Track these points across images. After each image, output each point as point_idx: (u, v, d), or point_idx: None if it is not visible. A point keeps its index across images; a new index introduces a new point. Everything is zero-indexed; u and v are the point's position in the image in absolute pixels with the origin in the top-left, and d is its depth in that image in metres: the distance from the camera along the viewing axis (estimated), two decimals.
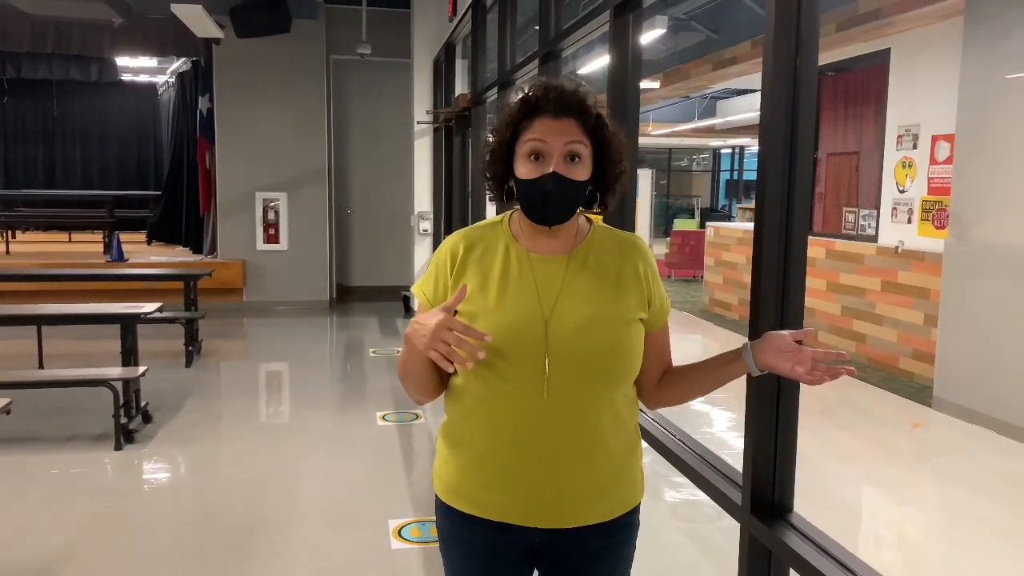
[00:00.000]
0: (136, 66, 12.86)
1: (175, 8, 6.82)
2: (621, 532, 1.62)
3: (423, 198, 8.90)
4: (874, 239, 7.43)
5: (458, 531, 1.61)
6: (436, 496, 1.65)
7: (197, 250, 10.33)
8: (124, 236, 9.69)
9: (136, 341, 5.07)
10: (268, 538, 3.57)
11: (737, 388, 1.77)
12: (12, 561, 3.08)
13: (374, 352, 7.53)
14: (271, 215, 9.51)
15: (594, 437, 1.53)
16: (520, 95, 1.55)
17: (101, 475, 4.28)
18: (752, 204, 17.37)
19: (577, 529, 1.56)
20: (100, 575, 3.25)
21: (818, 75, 7.86)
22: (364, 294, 10.39)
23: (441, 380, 1.59)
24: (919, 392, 6.35)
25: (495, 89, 5.36)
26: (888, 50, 7.21)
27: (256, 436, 5.20)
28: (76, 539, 3.51)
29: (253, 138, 9.32)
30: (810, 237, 8.41)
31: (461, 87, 7.45)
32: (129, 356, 5.03)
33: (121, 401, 4.57)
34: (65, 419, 4.98)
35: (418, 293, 1.63)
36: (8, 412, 2.94)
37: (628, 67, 2.86)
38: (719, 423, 5.35)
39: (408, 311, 9.07)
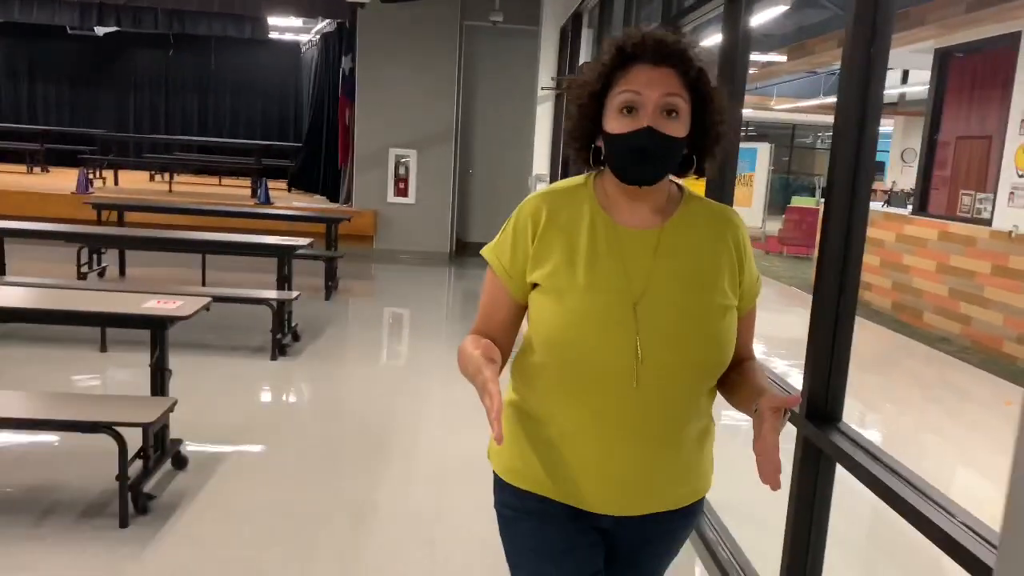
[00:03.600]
0: (283, 25, 13.83)
1: None
2: (685, 518, 1.56)
3: (541, 161, 9.39)
4: (989, 222, 7.43)
5: (529, 506, 1.50)
6: (499, 478, 1.55)
7: (333, 199, 11.23)
8: (269, 183, 10.67)
9: (291, 270, 5.85)
10: (398, 439, 4.23)
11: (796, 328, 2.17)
12: (198, 432, 3.83)
13: None
14: (401, 170, 10.24)
15: (678, 427, 1.45)
16: (615, 44, 1.41)
17: (262, 378, 5.09)
18: (875, 185, 16.98)
19: (646, 515, 1.50)
20: (265, 450, 3.98)
21: (945, 56, 7.85)
22: (480, 249, 11.04)
23: (502, 357, 1.49)
24: (1020, 375, 6.43)
25: None
26: (1019, 33, 7.13)
27: (387, 360, 5.92)
28: (245, 422, 4.28)
29: (389, 98, 10.03)
30: (923, 218, 8.46)
31: (586, 56, 7.86)
32: (284, 283, 5.81)
33: (276, 320, 5.35)
34: (227, 333, 5.84)
35: (492, 259, 1.50)
36: (208, 309, 3.64)
37: (737, 46, 3.24)
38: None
39: None
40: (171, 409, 3.24)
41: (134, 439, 3.09)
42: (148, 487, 3.22)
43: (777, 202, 19.16)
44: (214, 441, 3.92)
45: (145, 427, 3.09)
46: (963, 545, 1.43)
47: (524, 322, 1.54)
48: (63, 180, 11.47)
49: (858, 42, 2.16)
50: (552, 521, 1.49)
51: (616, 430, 1.41)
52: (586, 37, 8.00)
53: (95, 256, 7.17)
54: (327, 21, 11.68)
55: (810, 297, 2.37)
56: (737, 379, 1.50)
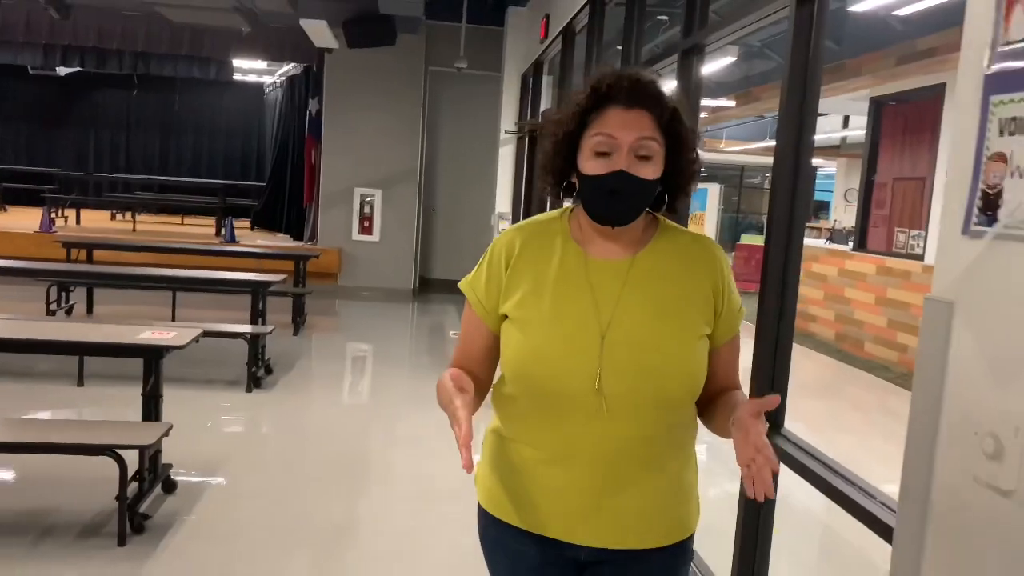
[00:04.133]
0: (248, 67, 14.09)
1: (303, 23, 7.83)
2: (672, 558, 1.52)
3: (504, 200, 9.74)
4: (922, 258, 7.95)
5: (506, 542, 1.52)
6: (480, 505, 1.57)
7: (297, 237, 11.41)
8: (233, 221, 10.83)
9: (265, 305, 6.05)
10: (373, 463, 4.44)
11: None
12: (184, 460, 4.00)
13: (453, 334, 8.39)
14: (367, 209, 10.50)
15: (650, 459, 1.44)
16: (590, 83, 1.42)
17: (239, 409, 5.26)
18: (819, 224, 17.71)
19: (627, 550, 1.47)
20: (248, 476, 4.17)
21: (879, 105, 8.41)
22: (444, 286, 11.26)
23: (480, 393, 1.49)
24: None
25: None
26: (944, 84, 7.74)
27: (357, 391, 6.12)
28: (227, 450, 4.45)
29: (355, 138, 10.32)
30: (862, 254, 8.96)
31: (547, 101, 8.26)
32: (258, 317, 6.00)
33: (251, 353, 5.53)
34: (202, 367, 5.98)
35: (467, 291, 1.52)
36: (198, 341, 3.84)
37: (690, 94, 3.60)
38: None
39: None
40: (166, 433, 3.43)
41: (129, 463, 3.27)
42: (143, 508, 3.39)
43: (727, 239, 19.86)
44: (200, 468, 4.09)
45: (142, 450, 3.28)
46: (875, 514, 1.74)
47: None
48: (24, 219, 11.47)
49: (792, 95, 2.51)
50: (524, 560, 1.49)
51: (583, 459, 1.40)
52: (546, 83, 8.42)
53: (63, 294, 7.27)
54: (293, 64, 11.98)
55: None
56: (718, 405, 1.48)
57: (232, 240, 10.22)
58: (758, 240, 17.83)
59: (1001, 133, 1.23)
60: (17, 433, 3.24)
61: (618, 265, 1.44)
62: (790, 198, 2.54)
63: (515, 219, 9.58)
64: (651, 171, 1.39)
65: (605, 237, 1.45)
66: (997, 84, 1.25)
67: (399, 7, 8.29)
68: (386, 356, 7.71)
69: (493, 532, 1.54)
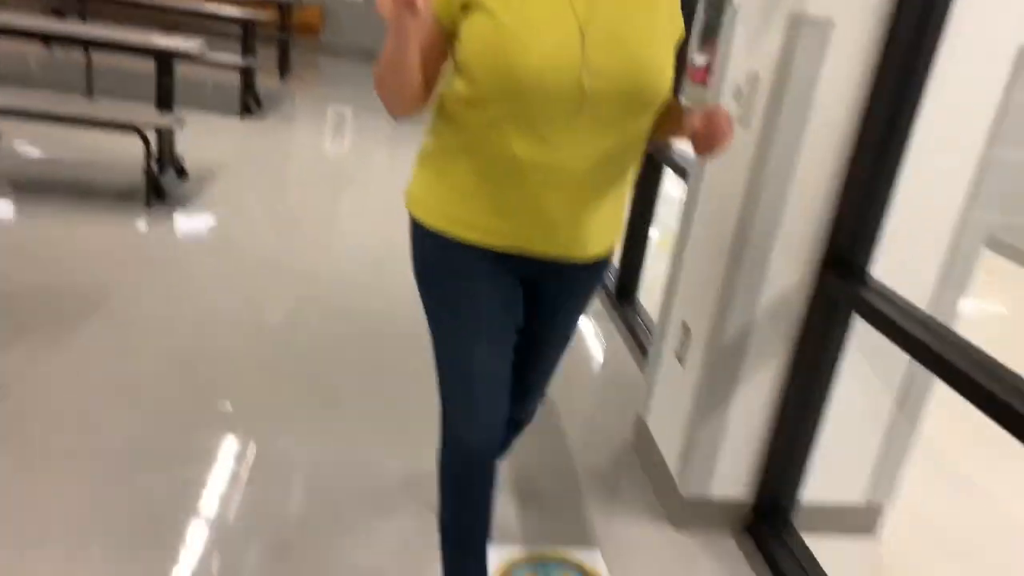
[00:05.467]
0: None
1: None
2: (599, 271, 1.57)
3: None
4: None
5: (452, 258, 1.46)
6: (419, 224, 1.48)
7: None
8: None
9: (255, 39, 6.49)
10: (351, 175, 5.19)
11: None
12: (189, 158, 4.69)
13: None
14: None
15: (617, 167, 1.41)
16: None
17: (234, 131, 5.90)
18: None
19: (567, 266, 1.49)
20: (243, 174, 4.90)
21: None
22: None
23: (422, 88, 1.37)
24: None
25: None
26: None
27: (339, 125, 6.75)
28: (225, 156, 5.15)
29: None
30: None
31: None
32: (248, 52, 6.46)
33: (243, 83, 6.08)
34: (196, 100, 6.53)
35: None
36: (203, 54, 4.38)
37: None
38: None
39: None
40: (180, 122, 4.10)
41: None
42: (163, 182, 4.14)
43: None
44: (205, 165, 4.80)
45: (162, 132, 3.97)
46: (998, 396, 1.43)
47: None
48: None
49: None
50: (474, 271, 1.46)
51: (552, 164, 1.34)
52: None
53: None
54: None
55: None
56: (662, 114, 1.47)
57: None
58: None
59: None
60: (56, 107, 3.87)
61: None
62: None
63: None
64: None
65: None
66: None
67: None
68: (367, 103, 8.24)
69: (438, 252, 1.46)
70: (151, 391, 2.49)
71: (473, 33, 1.32)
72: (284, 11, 8.38)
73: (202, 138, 5.35)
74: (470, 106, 1.36)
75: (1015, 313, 5.20)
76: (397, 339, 3.08)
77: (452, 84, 1.40)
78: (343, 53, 10.59)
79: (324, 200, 4.72)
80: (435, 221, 1.45)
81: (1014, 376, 1.49)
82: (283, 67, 8.12)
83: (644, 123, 1.41)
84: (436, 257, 1.48)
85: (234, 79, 6.70)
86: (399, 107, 1.37)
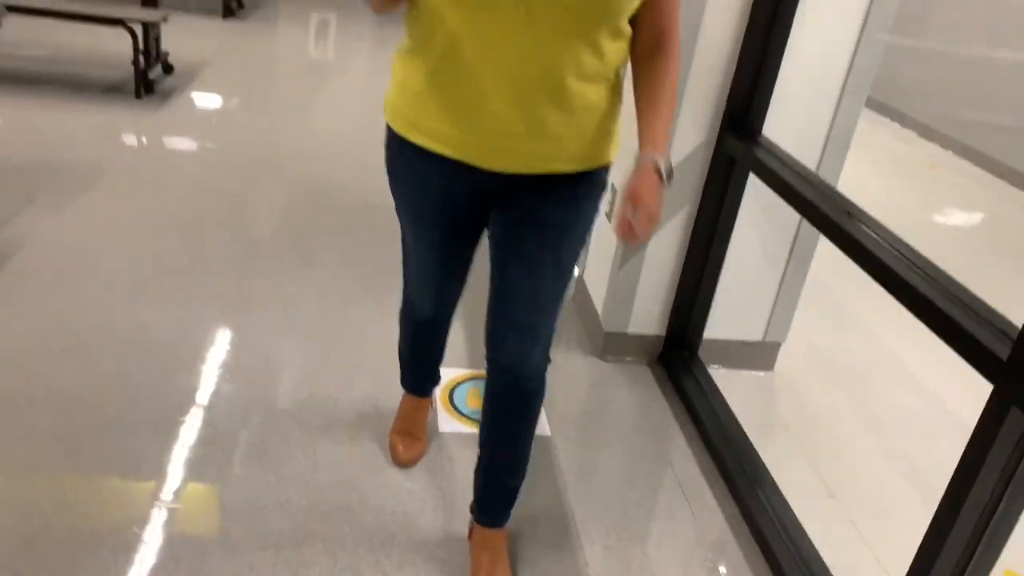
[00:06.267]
0: None
1: None
2: (585, 185, 1.48)
3: None
4: None
5: (412, 165, 1.47)
6: (387, 126, 1.51)
7: None
8: None
9: None
10: (334, 72, 5.43)
11: None
12: (174, 54, 4.91)
13: None
14: None
15: (571, 75, 1.33)
16: None
17: (217, 31, 6.09)
18: None
19: (540, 176, 1.43)
20: (227, 72, 5.14)
21: None
22: None
23: None
24: None
25: None
26: None
27: (321, 26, 6.92)
28: (208, 53, 5.37)
29: None
30: None
31: None
32: None
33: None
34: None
35: None
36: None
37: None
38: None
39: None
40: (165, 18, 4.33)
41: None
42: (151, 75, 4.40)
43: None
44: (189, 62, 5.04)
45: (147, 26, 4.21)
46: (869, 249, 1.63)
47: None
48: None
49: None
50: (431, 187, 1.48)
51: (498, 71, 1.31)
52: None
53: None
54: None
55: None
56: (643, 80, 1.45)
57: None
58: None
59: None
60: (41, 3, 4.10)
61: None
62: None
63: None
64: None
65: None
66: None
67: None
68: (349, 8, 8.36)
69: (399, 157, 1.50)
70: (149, 247, 2.85)
71: None
72: None
73: (186, 37, 5.56)
74: (427, 5, 1.34)
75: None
76: (368, 210, 3.42)
77: None
78: None
79: (304, 94, 4.98)
80: (397, 125, 1.47)
81: (878, 225, 1.81)
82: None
83: (599, 37, 1.33)
84: (398, 160, 1.51)
85: None
86: (383, 7, 1.38)
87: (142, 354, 2.29)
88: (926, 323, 1.47)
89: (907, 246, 1.67)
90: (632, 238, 1.38)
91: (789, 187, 2.07)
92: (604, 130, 1.45)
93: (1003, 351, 1.29)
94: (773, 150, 2.27)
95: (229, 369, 2.29)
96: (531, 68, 1.31)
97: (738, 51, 2.29)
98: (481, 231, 1.59)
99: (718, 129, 2.39)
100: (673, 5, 1.41)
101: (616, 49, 1.38)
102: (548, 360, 1.62)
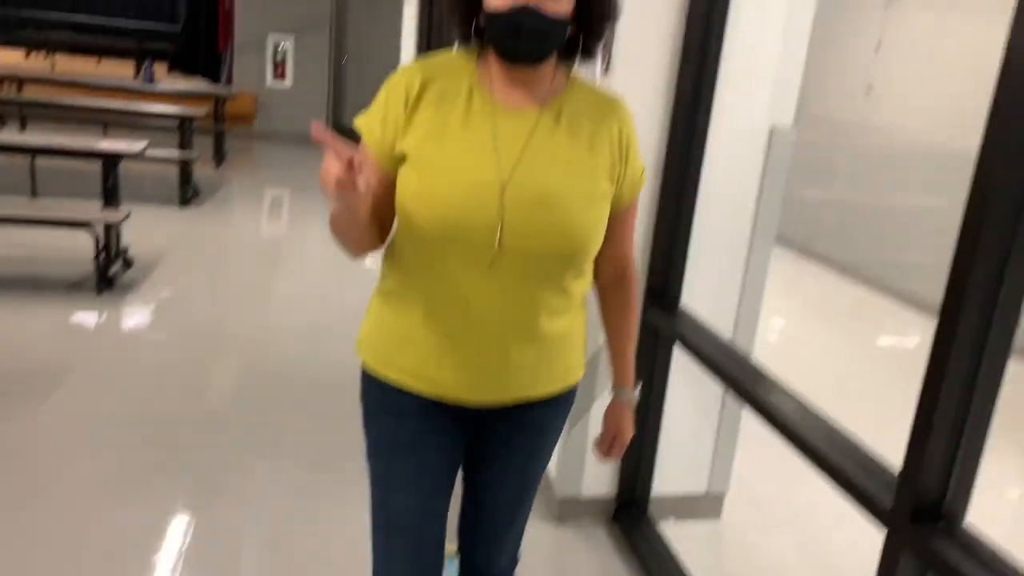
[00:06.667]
0: None
1: None
2: (554, 408, 1.54)
3: (408, 51, 10.62)
4: None
5: (389, 401, 1.48)
6: (364, 366, 1.51)
7: (214, 81, 12.05)
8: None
9: (192, 134, 7.03)
10: (286, 252, 5.70)
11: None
12: (134, 247, 5.16)
13: None
14: (280, 55, 11.22)
15: (539, 314, 1.41)
16: None
17: (173, 220, 6.38)
18: None
19: (513, 405, 1.48)
20: (185, 259, 5.38)
21: None
22: (354, 133, 12.22)
23: (376, 234, 1.43)
24: None
25: None
26: None
27: (274, 210, 7.27)
28: (167, 243, 5.63)
29: None
30: None
31: None
32: (186, 145, 7.00)
33: (182, 176, 6.59)
34: (135, 190, 7.01)
35: (363, 127, 1.42)
36: (144, 153, 4.88)
37: None
38: None
39: None
40: (127, 216, 4.59)
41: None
42: (111, 273, 4.60)
43: None
44: (148, 254, 5.28)
45: (109, 226, 4.46)
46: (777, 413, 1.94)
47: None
48: None
49: None
50: (409, 418, 1.47)
51: (471, 314, 1.37)
52: None
53: None
54: None
55: None
56: (610, 309, 1.60)
57: (151, 81, 10.84)
58: None
59: None
60: (8, 211, 4.34)
61: (525, 116, 1.38)
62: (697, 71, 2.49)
63: None
64: (561, 5, 1.32)
65: (514, 83, 1.39)
66: None
67: None
68: (300, 186, 8.81)
69: (377, 393, 1.50)
70: (115, 446, 2.94)
71: (400, 182, 1.38)
72: (219, 103, 8.97)
73: (145, 229, 5.81)
74: (399, 249, 1.43)
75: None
76: (330, 391, 3.57)
77: (394, 236, 1.47)
78: (276, 138, 11.19)
79: (261, 275, 5.23)
80: (372, 362, 1.49)
81: (783, 390, 2.01)
82: (218, 155, 8.67)
83: (569, 273, 1.41)
84: (374, 398, 1.51)
85: (172, 171, 7.20)
86: (356, 253, 1.43)
87: (118, 566, 2.35)
88: (827, 477, 1.67)
89: (808, 409, 1.90)
90: (610, 459, 1.68)
91: (707, 358, 2.31)
92: (573, 352, 1.52)
93: (888, 501, 1.49)
94: (692, 322, 2.53)
95: (200, 572, 2.36)
96: (503, 313, 1.38)
97: (652, 227, 2.59)
98: (456, 471, 1.57)
99: (643, 303, 2.65)
100: (630, 236, 1.54)
101: (581, 284, 1.48)
102: (517, 561, 1.74)
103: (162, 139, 7.17)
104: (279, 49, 11.23)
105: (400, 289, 1.44)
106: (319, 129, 1.11)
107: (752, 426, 2.87)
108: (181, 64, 13.43)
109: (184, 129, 7.00)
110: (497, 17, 1.30)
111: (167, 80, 12.21)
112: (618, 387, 1.65)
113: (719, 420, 2.82)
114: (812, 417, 1.87)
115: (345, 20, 11.99)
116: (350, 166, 1.14)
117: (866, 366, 5.06)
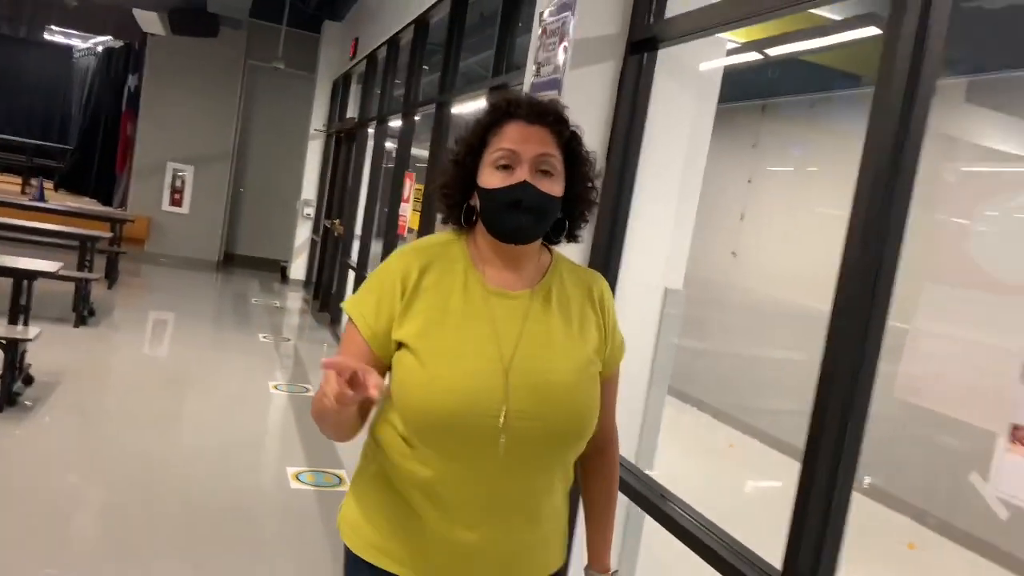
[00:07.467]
0: (59, 28, 14.23)
1: (136, 12, 8.74)
2: None
3: (310, 188, 11.05)
4: None
5: None
6: (350, 552, 1.46)
7: (106, 203, 12.01)
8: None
9: (93, 255, 7.05)
10: (183, 375, 5.76)
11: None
12: (33, 365, 5.09)
13: (255, 300, 9.64)
14: (178, 183, 11.39)
15: (542, 500, 1.41)
16: (490, 102, 1.42)
17: (70, 340, 6.31)
18: None
19: None
20: (81, 379, 5.34)
21: None
22: (248, 261, 12.30)
23: (361, 422, 1.41)
24: None
25: (374, 122, 7.71)
26: None
27: (167, 331, 7.27)
28: (65, 362, 5.57)
29: (173, 117, 11.18)
30: None
31: (354, 106, 9.63)
32: (84, 266, 6.99)
33: (79, 296, 6.57)
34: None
35: (353, 312, 1.41)
36: (58, 272, 4.94)
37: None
38: None
39: (284, 279, 11.14)
40: (39, 335, 4.61)
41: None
42: (14, 388, 4.56)
43: None
44: (47, 372, 5.22)
45: (18, 343, 4.47)
46: (678, 522, 2.46)
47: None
48: None
49: None
50: None
51: (475, 502, 1.36)
52: (355, 91, 9.79)
53: None
54: (109, 36, 12.50)
55: None
56: (593, 479, 1.57)
57: (41, 199, 10.70)
58: None
59: None
60: None
61: (518, 298, 1.41)
62: None
63: (319, 206, 10.88)
64: (554, 187, 1.37)
65: (505, 263, 1.42)
66: None
67: (226, 8, 9.40)
68: (193, 309, 8.81)
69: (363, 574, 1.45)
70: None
71: (400, 370, 1.37)
72: (118, 226, 9.00)
73: (43, 347, 5.72)
74: (394, 436, 1.39)
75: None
76: (235, 513, 3.66)
77: (384, 412, 1.43)
78: (163, 261, 11.15)
79: (165, 400, 5.25)
80: (357, 546, 1.45)
81: (683, 503, 2.41)
82: (111, 276, 8.60)
83: (568, 457, 1.43)
84: None
85: (66, 288, 7.11)
86: (339, 439, 1.42)
87: None
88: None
89: (704, 518, 2.28)
90: None
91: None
92: (561, 532, 1.51)
93: None
94: None
95: None
96: (508, 500, 1.37)
97: None
98: None
99: None
100: (614, 405, 1.56)
101: (574, 458, 1.48)
102: None
103: (53, 257, 7.12)
104: (178, 177, 11.40)
105: (390, 472, 1.41)
106: (329, 364, 1.16)
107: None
108: (69, 183, 13.33)
109: (85, 249, 7.02)
110: (493, 193, 1.36)
111: (56, 198, 12.07)
112: (594, 570, 1.58)
113: (624, 523, 3.15)
114: (705, 522, 2.25)
115: (247, 156, 12.33)
116: (354, 381, 1.16)
117: (739, 500, 5.54)
